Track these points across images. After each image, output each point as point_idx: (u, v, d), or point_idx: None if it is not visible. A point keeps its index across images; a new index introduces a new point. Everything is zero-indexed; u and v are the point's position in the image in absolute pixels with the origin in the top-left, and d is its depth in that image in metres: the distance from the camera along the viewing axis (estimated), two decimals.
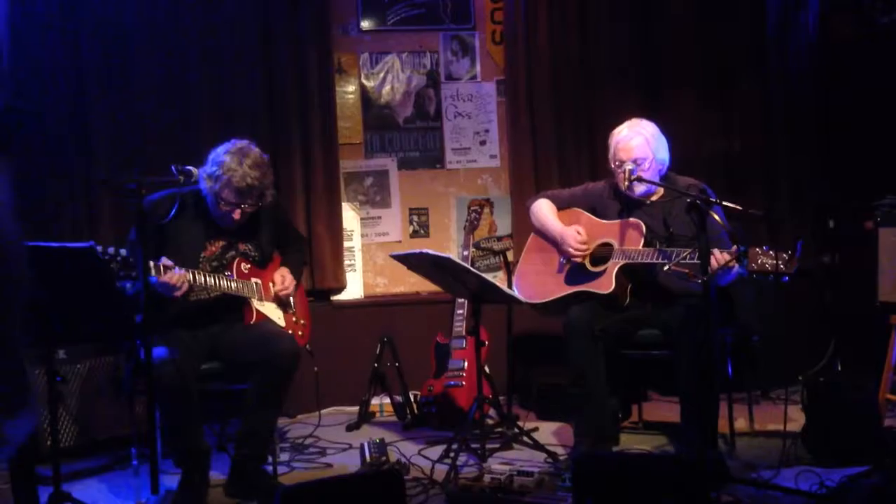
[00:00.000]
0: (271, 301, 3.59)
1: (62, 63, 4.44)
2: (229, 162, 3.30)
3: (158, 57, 4.58)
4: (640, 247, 3.55)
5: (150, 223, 3.15)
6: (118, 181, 3.03)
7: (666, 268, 3.42)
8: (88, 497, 3.17)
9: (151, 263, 3.16)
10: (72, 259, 2.81)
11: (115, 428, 3.86)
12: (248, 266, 3.53)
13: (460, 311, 4.29)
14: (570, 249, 3.70)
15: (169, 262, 3.23)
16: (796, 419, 3.59)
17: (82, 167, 4.47)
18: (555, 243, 3.81)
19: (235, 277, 3.47)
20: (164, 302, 3.25)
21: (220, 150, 3.37)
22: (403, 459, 3.64)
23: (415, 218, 5.08)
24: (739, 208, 3.21)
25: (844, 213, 4.29)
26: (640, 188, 3.65)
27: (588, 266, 3.69)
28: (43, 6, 4.39)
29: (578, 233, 3.71)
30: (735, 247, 3.19)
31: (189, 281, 3.26)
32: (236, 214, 3.37)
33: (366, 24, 5.00)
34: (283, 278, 3.60)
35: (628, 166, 3.58)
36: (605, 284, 3.58)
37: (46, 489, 2.97)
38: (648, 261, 3.50)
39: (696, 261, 3.22)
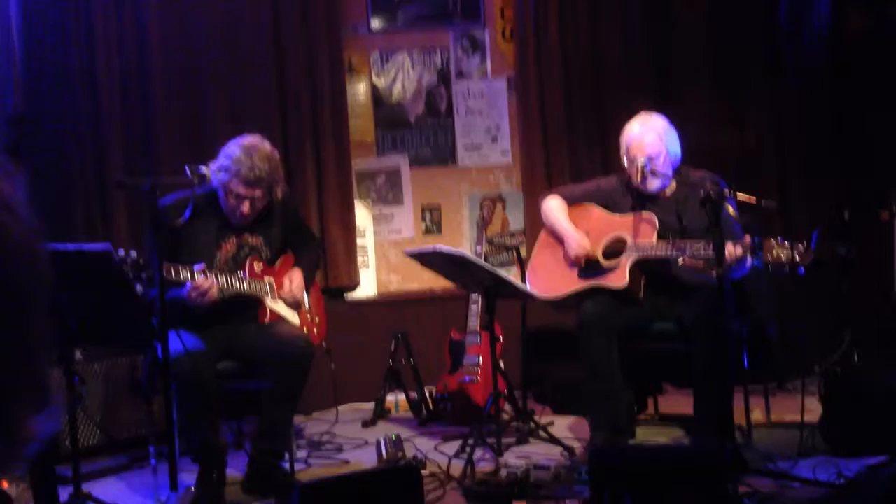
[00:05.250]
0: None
1: (76, 65, 4.48)
2: (239, 154, 3.32)
3: (171, 58, 4.61)
4: (654, 241, 3.54)
5: (165, 225, 3.17)
6: (133, 183, 3.05)
7: (680, 261, 3.41)
8: (108, 496, 3.19)
9: (189, 269, 3.20)
10: (88, 261, 2.83)
11: (133, 427, 3.88)
12: (261, 265, 3.54)
13: (474, 307, 4.29)
14: (573, 250, 3.70)
15: (202, 266, 3.27)
16: (813, 410, 3.58)
17: (96, 168, 4.51)
18: (563, 241, 3.81)
19: (248, 277, 3.48)
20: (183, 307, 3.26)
21: (232, 143, 3.39)
22: (420, 455, 3.65)
23: (427, 215, 5.09)
24: (753, 200, 3.20)
25: (860, 204, 4.27)
26: (653, 183, 3.64)
27: (601, 260, 3.69)
28: (57, 11, 4.43)
29: (581, 244, 3.70)
30: (749, 238, 3.18)
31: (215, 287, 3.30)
32: (245, 207, 3.38)
33: (376, 24, 5.01)
34: (290, 282, 3.58)
35: (641, 162, 3.58)
36: (619, 279, 3.57)
37: (66, 489, 3.00)
38: (662, 255, 3.49)
39: (710, 254, 3.22)
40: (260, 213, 3.47)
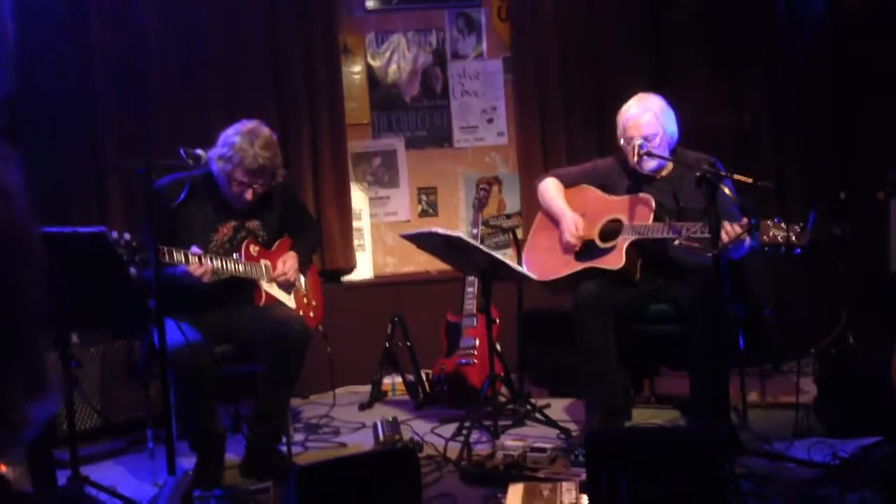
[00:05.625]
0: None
1: (70, 49, 4.44)
2: (240, 143, 3.30)
3: (165, 41, 4.58)
4: (650, 222, 3.54)
5: (160, 207, 3.16)
6: (128, 166, 3.03)
7: (676, 242, 3.41)
8: (106, 479, 3.19)
9: (184, 253, 3.18)
10: (84, 244, 2.82)
11: (130, 411, 3.89)
12: (257, 248, 3.53)
13: (470, 290, 4.29)
14: (566, 236, 3.70)
15: (199, 251, 3.24)
16: (808, 391, 3.60)
17: (91, 152, 4.49)
18: (558, 224, 3.81)
19: (244, 260, 3.47)
20: (179, 287, 3.26)
21: (231, 131, 3.37)
22: (417, 437, 3.66)
23: (423, 197, 5.08)
24: (750, 181, 3.19)
25: (856, 184, 4.27)
26: (650, 163, 3.64)
27: (598, 242, 3.69)
28: None
29: (577, 226, 3.69)
30: (746, 219, 3.18)
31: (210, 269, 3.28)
32: (248, 194, 3.38)
33: (371, 4, 4.97)
34: (283, 263, 3.56)
35: (637, 142, 3.57)
36: (615, 260, 3.57)
37: (64, 472, 3.01)
38: (658, 236, 3.49)
39: (706, 235, 3.22)
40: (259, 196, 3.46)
